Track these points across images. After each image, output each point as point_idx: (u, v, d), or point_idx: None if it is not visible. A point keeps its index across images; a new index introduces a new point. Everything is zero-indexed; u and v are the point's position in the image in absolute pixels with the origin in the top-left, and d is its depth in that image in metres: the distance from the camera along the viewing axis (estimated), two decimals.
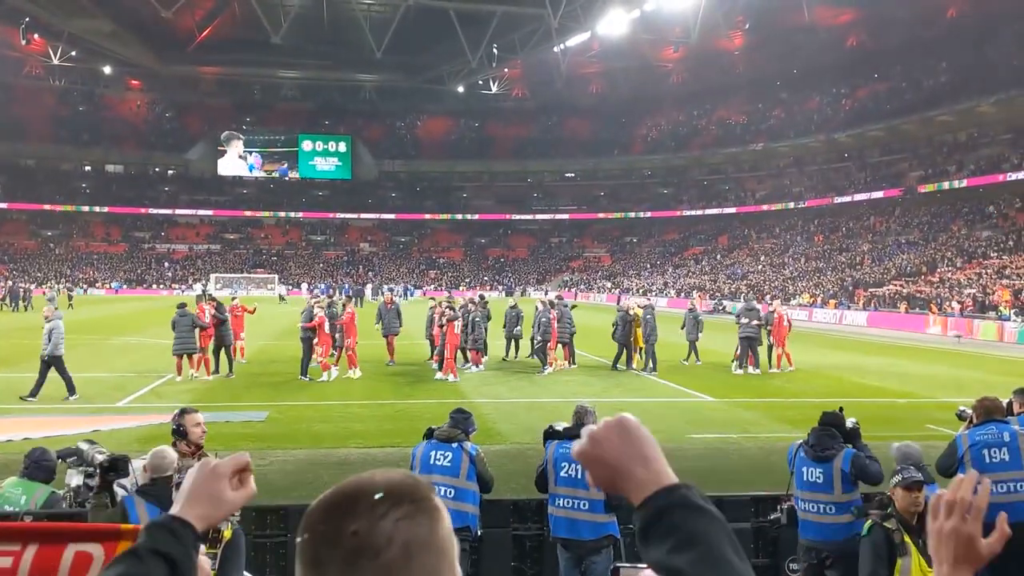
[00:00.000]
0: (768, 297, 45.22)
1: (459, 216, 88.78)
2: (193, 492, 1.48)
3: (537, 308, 20.56)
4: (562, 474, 5.78)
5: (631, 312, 20.82)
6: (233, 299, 22.73)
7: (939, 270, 47.76)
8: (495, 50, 70.78)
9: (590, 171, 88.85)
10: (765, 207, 72.14)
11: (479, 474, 5.90)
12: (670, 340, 22.56)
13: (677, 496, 1.24)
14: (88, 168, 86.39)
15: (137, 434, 12.37)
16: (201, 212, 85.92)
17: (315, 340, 18.47)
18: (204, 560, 1.55)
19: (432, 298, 25.53)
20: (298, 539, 1.12)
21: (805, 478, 5.83)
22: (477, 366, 20.54)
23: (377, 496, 1.09)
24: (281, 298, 60.78)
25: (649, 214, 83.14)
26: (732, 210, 75.91)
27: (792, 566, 5.96)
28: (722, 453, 11.93)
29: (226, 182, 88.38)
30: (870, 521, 4.86)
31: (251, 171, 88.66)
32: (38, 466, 5.81)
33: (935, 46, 60.21)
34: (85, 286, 71.22)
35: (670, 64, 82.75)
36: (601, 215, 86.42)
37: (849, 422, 6.19)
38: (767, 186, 75.21)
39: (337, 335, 19.27)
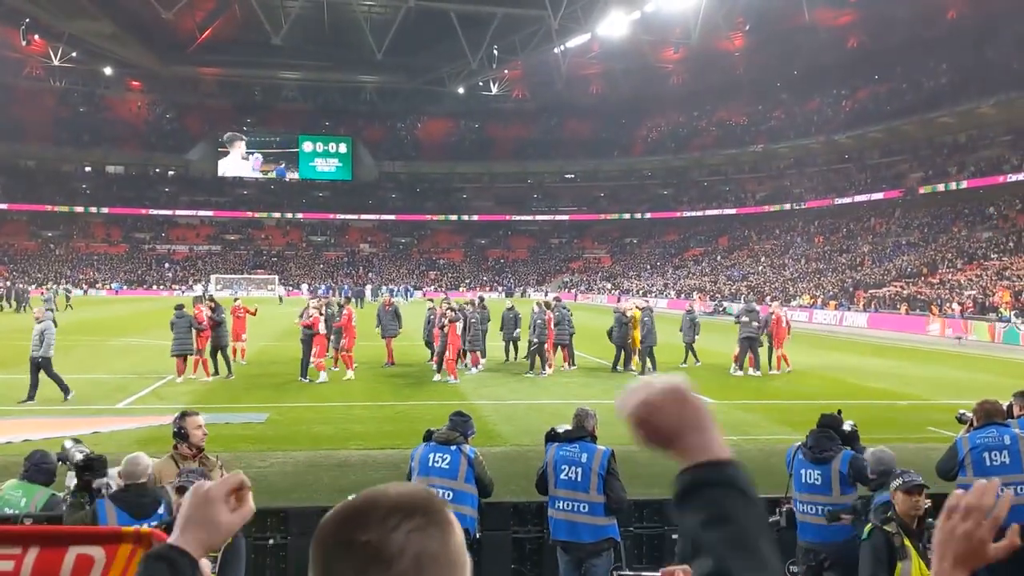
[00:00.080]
0: (768, 298, 45.23)
1: (459, 217, 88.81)
2: (188, 519, 1.47)
3: (533, 310, 20.55)
4: (562, 476, 5.78)
5: (628, 314, 20.79)
6: (235, 300, 22.74)
7: (939, 271, 47.77)
8: (495, 51, 70.82)
9: (590, 172, 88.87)
10: (765, 208, 72.15)
11: (477, 477, 5.90)
12: (670, 342, 22.53)
13: (723, 473, 1.24)
14: (88, 169, 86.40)
15: (137, 435, 12.35)
16: (201, 213, 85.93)
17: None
18: (204, 562, 1.55)
19: (430, 299, 25.51)
20: (311, 548, 1.12)
21: (803, 480, 5.83)
22: (475, 367, 20.54)
23: (390, 508, 1.09)
24: (280, 299, 60.75)
25: (649, 215, 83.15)
26: (732, 211, 75.93)
27: (791, 568, 5.96)
28: None
29: (226, 183, 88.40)
30: (870, 525, 4.86)
31: (254, 172, 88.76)
32: (38, 468, 5.81)
33: (935, 47, 60.23)
34: (85, 287, 71.23)
35: (670, 65, 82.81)
36: (601, 216, 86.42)
37: (847, 424, 6.19)
38: (767, 187, 75.21)
39: (333, 336, 19.28)
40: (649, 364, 20.19)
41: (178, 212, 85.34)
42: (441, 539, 1.09)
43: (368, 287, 66.41)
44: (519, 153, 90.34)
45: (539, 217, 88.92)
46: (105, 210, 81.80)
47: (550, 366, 20.48)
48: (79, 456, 5.18)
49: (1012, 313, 35.70)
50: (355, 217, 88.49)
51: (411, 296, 64.15)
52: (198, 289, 63.43)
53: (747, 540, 1.18)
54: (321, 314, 18.59)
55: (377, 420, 14.20)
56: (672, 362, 21.64)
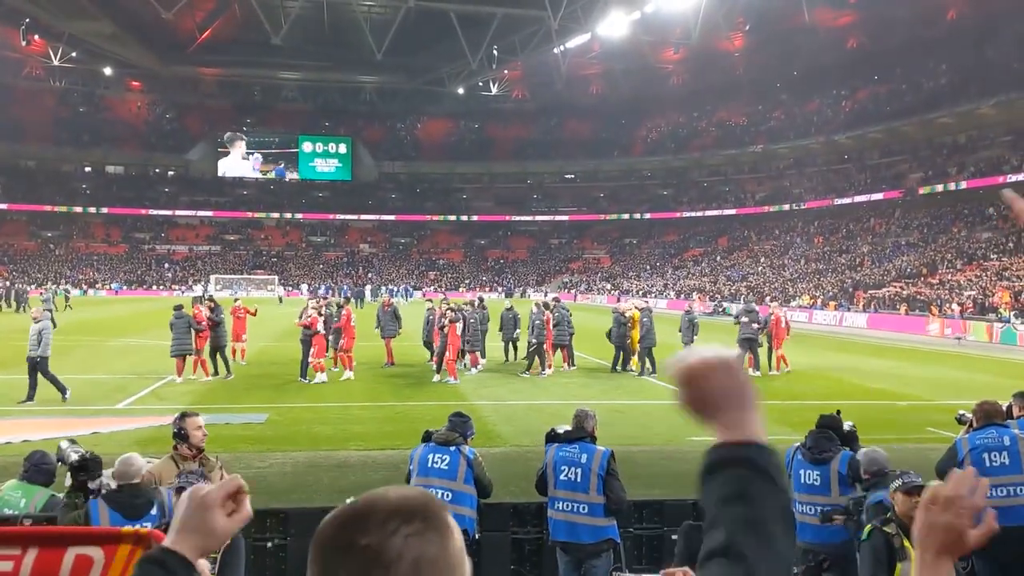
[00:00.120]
0: (767, 299, 45.23)
1: (459, 217, 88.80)
2: (184, 523, 1.46)
3: (531, 311, 20.54)
4: (561, 477, 5.78)
5: (626, 314, 20.78)
6: (235, 301, 22.75)
7: (939, 272, 47.77)
8: (495, 52, 70.83)
9: (590, 172, 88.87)
10: (765, 209, 72.15)
11: (477, 478, 5.90)
12: (669, 342, 22.51)
13: (753, 454, 1.24)
14: (88, 169, 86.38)
15: (137, 436, 12.35)
16: (201, 213, 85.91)
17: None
18: (203, 563, 1.55)
19: (429, 300, 25.49)
20: (310, 551, 1.13)
21: (802, 480, 5.84)
22: (475, 368, 20.53)
23: (389, 512, 1.10)
24: (280, 300, 60.75)
25: (649, 215, 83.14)
26: (732, 212, 75.95)
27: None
28: None
29: (226, 183, 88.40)
30: (870, 526, 4.87)
31: (254, 171, 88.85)
32: (38, 469, 5.81)
33: (935, 48, 60.23)
34: (85, 287, 71.23)
35: (670, 65, 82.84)
36: (601, 216, 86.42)
37: (846, 425, 6.19)
38: (767, 188, 75.22)
39: (331, 336, 19.31)
40: (648, 364, 20.17)
41: (178, 212, 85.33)
42: (440, 543, 1.10)
43: (368, 287, 66.43)
44: (519, 153, 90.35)
45: (539, 217, 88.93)
46: (105, 210, 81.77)
47: (549, 366, 20.48)
48: (74, 456, 5.18)
49: (1012, 314, 35.72)
50: (355, 217, 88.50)
51: (410, 296, 64.15)
52: (198, 289, 63.40)
53: (763, 523, 1.18)
54: (320, 314, 18.61)
55: (377, 420, 14.20)
56: None
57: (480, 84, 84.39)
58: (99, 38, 69.90)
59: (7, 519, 5.22)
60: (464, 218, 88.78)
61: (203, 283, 72.35)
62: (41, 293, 41.97)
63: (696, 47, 68.44)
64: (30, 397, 15.12)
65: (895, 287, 47.59)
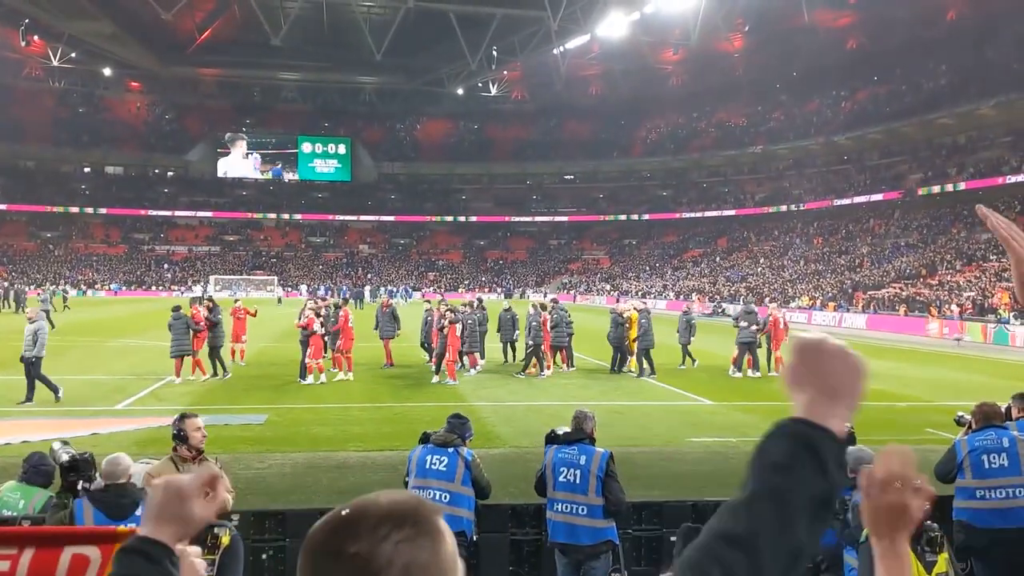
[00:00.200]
0: (767, 300, 45.22)
1: (458, 218, 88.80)
2: (161, 512, 1.48)
3: (528, 312, 20.53)
4: (560, 479, 5.78)
5: (624, 315, 20.78)
6: (235, 302, 22.74)
7: (938, 273, 47.78)
8: (495, 52, 70.84)
9: (589, 173, 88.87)
10: (764, 209, 72.17)
11: (475, 479, 5.90)
12: (668, 343, 22.51)
13: (818, 440, 1.20)
14: (88, 170, 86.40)
15: (136, 437, 12.34)
16: (200, 214, 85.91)
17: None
18: (199, 562, 1.55)
19: (427, 301, 25.49)
20: (300, 558, 1.13)
21: None
22: (473, 369, 20.52)
23: (379, 518, 1.09)
24: (279, 300, 60.75)
25: (648, 216, 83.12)
26: (731, 212, 75.98)
27: None
28: (721, 457, 11.92)
29: (226, 184, 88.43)
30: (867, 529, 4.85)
31: (255, 171, 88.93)
32: (36, 471, 5.80)
33: (935, 48, 60.23)
34: (84, 287, 71.23)
35: (669, 66, 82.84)
36: (600, 217, 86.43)
37: None
38: (766, 188, 75.23)
39: (327, 338, 19.33)
40: (647, 366, 20.15)
41: (177, 213, 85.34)
42: (431, 549, 1.09)
43: (367, 288, 66.43)
44: (518, 154, 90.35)
45: (538, 218, 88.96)
46: (104, 211, 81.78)
47: (548, 367, 20.48)
48: (65, 457, 5.17)
49: (1011, 315, 35.73)
50: (354, 218, 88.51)
51: (410, 297, 64.16)
52: (197, 290, 63.40)
53: (792, 501, 1.15)
54: (318, 315, 18.63)
55: (376, 422, 14.20)
56: (671, 364, 21.64)
57: (479, 85, 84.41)
58: (99, 38, 69.90)
59: (5, 520, 5.21)
60: (463, 219, 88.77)
61: (202, 284, 72.35)
62: (38, 294, 41.90)
63: (695, 48, 68.45)
64: (29, 398, 15.13)
65: (894, 288, 47.60)
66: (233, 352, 21.34)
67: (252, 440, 12.44)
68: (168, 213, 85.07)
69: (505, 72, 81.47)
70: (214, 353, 19.19)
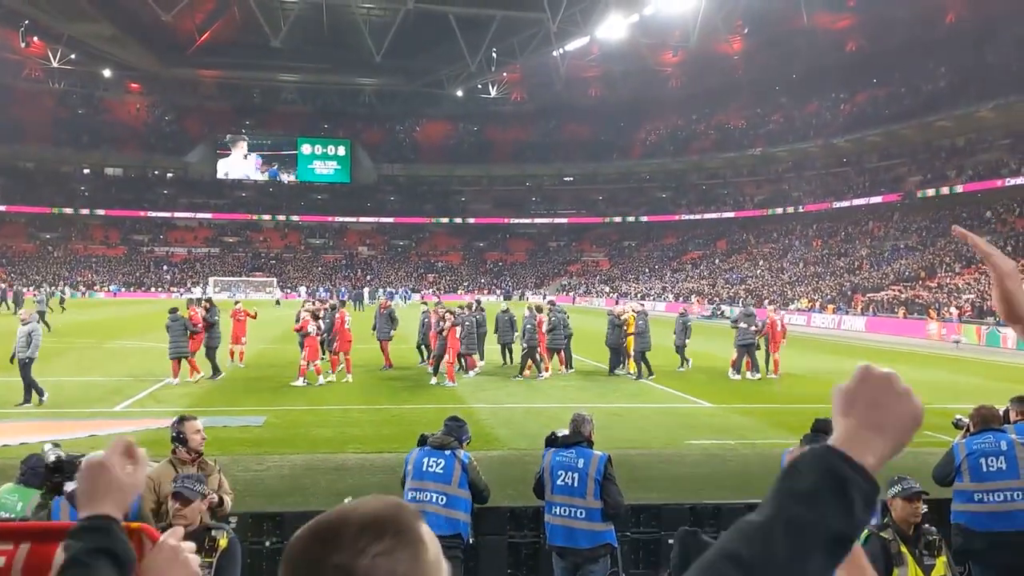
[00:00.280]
0: (766, 302, 45.23)
1: (458, 220, 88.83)
2: (96, 490, 1.50)
3: (524, 314, 20.50)
4: (558, 482, 5.77)
5: (622, 317, 20.78)
6: (235, 303, 22.73)
7: (938, 275, 47.80)
8: (494, 54, 70.86)
9: (589, 175, 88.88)
10: (763, 212, 72.22)
11: (472, 482, 5.89)
12: (667, 345, 22.49)
13: (851, 477, 1.13)
14: (87, 171, 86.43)
15: (135, 438, 12.25)
16: (200, 215, 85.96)
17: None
18: (193, 558, 1.56)
19: (425, 302, 25.50)
20: (280, 568, 1.12)
21: None
22: (472, 371, 20.51)
23: (359, 528, 1.08)
24: (277, 302, 60.76)
25: (647, 218, 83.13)
26: (731, 214, 75.99)
27: None
28: (719, 459, 11.92)
29: (225, 185, 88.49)
30: (866, 531, 4.86)
31: (256, 171, 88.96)
32: (34, 472, 5.78)
33: (934, 51, 60.28)
34: (83, 289, 71.23)
35: (669, 68, 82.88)
36: (599, 219, 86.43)
37: None
38: (766, 191, 75.25)
39: (324, 340, 19.33)
40: (645, 368, 20.13)
41: (176, 214, 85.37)
42: (409, 561, 1.08)
43: (366, 290, 66.43)
44: (517, 156, 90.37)
45: (537, 220, 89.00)
46: (104, 212, 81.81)
47: (546, 369, 20.47)
48: (51, 458, 5.18)
49: None
50: (353, 220, 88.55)
51: (409, 299, 64.16)
52: (197, 292, 63.39)
53: (809, 539, 1.09)
54: (316, 317, 18.62)
55: (374, 423, 14.18)
56: (670, 366, 21.63)
57: (479, 86, 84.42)
58: (98, 40, 69.93)
59: (3, 522, 5.21)
60: (463, 220, 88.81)
61: (201, 285, 72.35)
62: (34, 295, 41.84)
63: (695, 50, 68.53)
64: (27, 399, 15.10)
65: (893, 290, 47.61)
66: (232, 354, 21.34)
67: (250, 442, 12.43)
68: (167, 214, 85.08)
69: (505, 74, 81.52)
70: (210, 354, 19.18)
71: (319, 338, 18.98)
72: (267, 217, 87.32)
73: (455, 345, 18.74)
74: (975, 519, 5.83)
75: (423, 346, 21.81)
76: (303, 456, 11.61)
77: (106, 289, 73.25)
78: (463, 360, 20.25)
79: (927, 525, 4.85)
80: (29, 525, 3.24)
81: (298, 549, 1.11)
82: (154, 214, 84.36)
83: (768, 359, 21.17)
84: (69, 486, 5.08)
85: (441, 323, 18.86)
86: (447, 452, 5.94)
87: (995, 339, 33.55)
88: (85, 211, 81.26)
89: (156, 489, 5.32)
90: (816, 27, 65.77)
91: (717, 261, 71.62)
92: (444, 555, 1.16)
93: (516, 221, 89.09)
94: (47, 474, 5.03)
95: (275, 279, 77.57)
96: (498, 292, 74.94)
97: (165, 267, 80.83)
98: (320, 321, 18.97)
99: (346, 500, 1.24)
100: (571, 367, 21.37)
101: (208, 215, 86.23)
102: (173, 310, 18.67)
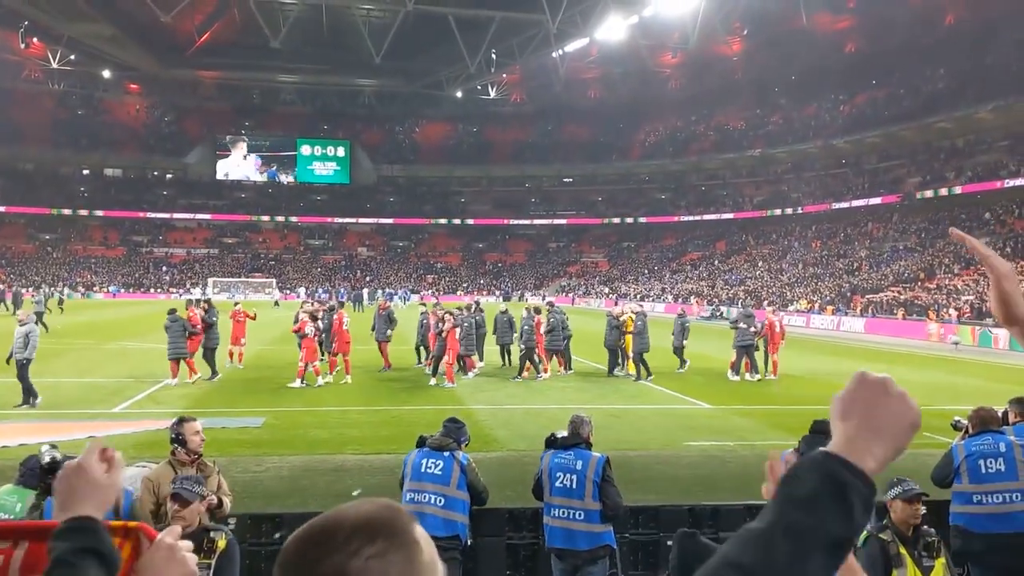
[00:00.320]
0: (765, 303, 45.25)
1: (457, 221, 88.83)
2: (76, 492, 1.52)
3: (522, 315, 20.51)
4: (557, 484, 5.77)
5: (620, 318, 20.78)
6: (235, 304, 22.72)
7: (937, 277, 47.81)
8: (494, 55, 70.87)
9: (588, 176, 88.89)
10: (763, 213, 72.25)
11: (470, 484, 5.89)
12: (664, 346, 22.48)
13: (849, 481, 1.15)
14: (86, 172, 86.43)
15: (134, 440, 12.32)
16: (199, 216, 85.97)
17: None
18: (190, 556, 1.56)
19: (423, 303, 25.50)
20: (273, 572, 1.12)
21: None
22: (471, 372, 20.51)
23: (351, 531, 1.09)
24: (276, 303, 60.76)
25: (647, 219, 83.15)
26: (730, 216, 76.01)
27: None
28: (718, 460, 11.92)
29: (224, 186, 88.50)
30: (866, 532, 4.86)
31: (256, 172, 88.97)
32: (33, 473, 5.78)
33: (933, 52, 60.32)
34: (83, 290, 71.22)
35: (668, 69, 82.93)
36: (599, 220, 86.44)
37: None
38: (765, 192, 75.28)
39: (323, 341, 19.33)
40: (643, 369, 20.11)
41: (176, 215, 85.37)
42: (402, 563, 1.08)
43: (365, 290, 66.40)
44: (517, 157, 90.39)
45: (537, 221, 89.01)
46: (103, 213, 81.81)
47: (545, 370, 20.47)
48: (46, 459, 5.18)
49: None
50: (353, 221, 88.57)
51: (408, 300, 64.17)
52: (196, 293, 63.39)
53: (808, 543, 1.11)
54: (315, 318, 18.61)
55: (373, 425, 14.18)
56: (669, 368, 21.63)
57: (478, 87, 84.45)
58: (98, 41, 69.93)
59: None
60: (462, 221, 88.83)
61: (201, 286, 72.33)
62: (31, 296, 41.79)
63: (694, 51, 68.60)
64: (25, 400, 15.09)
65: (893, 292, 47.62)
66: (231, 354, 21.35)
67: (249, 443, 12.42)
68: (167, 215, 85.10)
69: (504, 75, 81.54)
70: (207, 354, 19.16)
71: (317, 339, 18.96)
72: (266, 218, 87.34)
73: (455, 346, 18.74)
74: (974, 521, 5.83)
75: (422, 347, 21.80)
76: (302, 457, 11.60)
77: (105, 290, 73.26)
78: (462, 361, 20.25)
79: (926, 527, 4.85)
80: (28, 524, 3.25)
81: (292, 552, 1.11)
82: (153, 215, 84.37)
83: (766, 360, 21.17)
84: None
85: (440, 324, 18.86)
86: (446, 453, 5.94)
87: (987, 340, 33.66)
88: (84, 212, 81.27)
89: (155, 490, 5.32)
90: (815, 28, 65.83)
91: (716, 262, 71.64)
92: (442, 557, 1.15)
93: (515, 222, 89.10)
94: (41, 475, 5.04)
95: (274, 280, 77.58)
96: (497, 293, 74.92)
97: (164, 268, 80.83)
98: (318, 322, 18.95)
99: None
100: (570, 368, 21.36)
101: (207, 216, 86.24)
102: (172, 311, 18.66)
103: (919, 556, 4.71)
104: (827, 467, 1.16)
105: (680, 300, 58.33)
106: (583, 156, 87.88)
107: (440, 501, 5.76)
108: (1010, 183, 50.54)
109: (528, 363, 20.12)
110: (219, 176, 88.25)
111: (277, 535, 6.29)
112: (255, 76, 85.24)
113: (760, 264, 66.13)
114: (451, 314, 19.04)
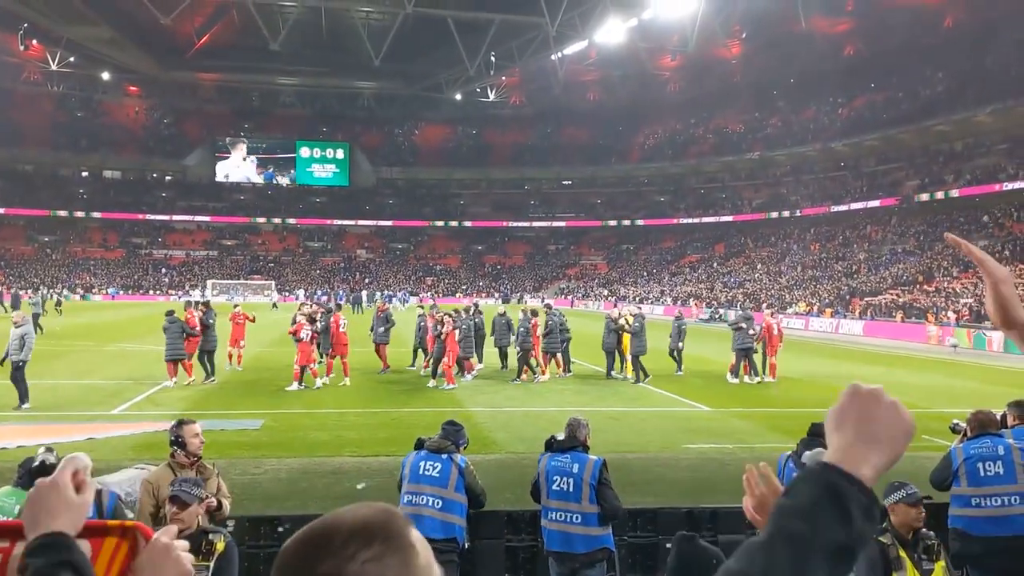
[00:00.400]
0: (764, 306, 45.25)
1: (456, 223, 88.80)
2: (49, 510, 1.52)
3: (519, 317, 20.51)
4: (554, 487, 5.77)
5: (618, 320, 20.79)
6: (235, 307, 22.71)
7: (936, 279, 47.84)
8: (493, 58, 70.94)
9: (587, 179, 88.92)
10: (762, 215, 72.28)
11: (468, 486, 5.88)
12: (662, 348, 22.49)
13: (845, 489, 1.17)
14: (86, 174, 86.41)
15: (133, 442, 12.32)
16: (198, 218, 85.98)
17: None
18: (186, 556, 1.56)
19: (421, 306, 25.49)
20: (271, 575, 1.13)
21: None
22: (469, 374, 20.51)
23: (348, 535, 1.09)
24: (274, 305, 60.77)
25: (646, 222, 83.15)
26: (729, 218, 76.04)
27: None
28: (717, 463, 11.92)
29: (223, 188, 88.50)
30: None
31: (256, 174, 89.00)
32: (32, 475, 5.79)
33: (932, 55, 60.40)
34: (82, 292, 71.17)
35: (667, 72, 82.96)
36: (598, 223, 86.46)
37: None
38: (764, 194, 75.32)
39: (320, 343, 19.35)
40: (640, 371, 20.10)
41: (175, 217, 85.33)
42: (399, 567, 1.09)
43: (364, 292, 66.41)
44: (516, 159, 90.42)
45: (536, 223, 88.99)
46: (102, 215, 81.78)
47: (543, 372, 20.46)
48: (36, 462, 5.19)
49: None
50: (352, 223, 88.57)
51: (407, 302, 64.16)
52: (195, 295, 63.38)
53: (810, 551, 1.12)
54: (312, 320, 18.60)
55: (371, 427, 14.16)
56: (668, 370, 21.64)
57: (478, 90, 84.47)
58: (97, 43, 69.97)
59: None
60: (461, 224, 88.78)
61: (200, 288, 72.32)
62: (28, 297, 41.71)
63: (693, 54, 68.62)
64: (24, 401, 15.07)
65: (891, 294, 47.65)
66: (231, 356, 21.33)
67: (248, 445, 12.41)
68: (166, 217, 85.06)
69: (503, 78, 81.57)
70: (207, 356, 19.14)
71: (315, 341, 18.92)
72: (265, 220, 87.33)
73: (454, 348, 18.74)
74: (972, 523, 5.83)
75: (420, 349, 21.78)
76: (300, 459, 11.59)
77: (104, 292, 73.20)
78: (461, 364, 20.25)
79: (925, 529, 4.85)
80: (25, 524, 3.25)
81: (289, 555, 1.11)
82: (152, 217, 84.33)
83: (764, 363, 21.19)
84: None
85: (439, 327, 18.86)
86: (444, 456, 5.93)
87: (981, 342, 33.69)
88: (83, 214, 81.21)
89: (155, 493, 5.32)
90: (814, 31, 65.86)
91: (715, 265, 71.67)
92: (439, 559, 1.16)
93: (514, 224, 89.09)
94: (29, 478, 5.04)
95: (273, 282, 77.57)
96: (496, 295, 74.92)
97: (163, 270, 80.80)
98: (316, 324, 18.91)
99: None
100: (569, 370, 21.37)
101: (206, 218, 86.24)
102: (170, 312, 18.65)
103: (919, 559, 4.71)
104: (825, 477, 1.18)
105: (679, 302, 58.32)
106: (582, 158, 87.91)
107: (438, 503, 5.75)
108: (1008, 186, 50.59)
109: (526, 366, 20.13)
110: (218, 178, 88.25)
111: (280, 530, 6.28)
112: (254, 78, 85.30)
113: (759, 267, 66.16)
114: (450, 316, 19.04)
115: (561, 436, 6.09)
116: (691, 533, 3.89)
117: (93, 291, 72.81)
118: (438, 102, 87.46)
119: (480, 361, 21.92)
